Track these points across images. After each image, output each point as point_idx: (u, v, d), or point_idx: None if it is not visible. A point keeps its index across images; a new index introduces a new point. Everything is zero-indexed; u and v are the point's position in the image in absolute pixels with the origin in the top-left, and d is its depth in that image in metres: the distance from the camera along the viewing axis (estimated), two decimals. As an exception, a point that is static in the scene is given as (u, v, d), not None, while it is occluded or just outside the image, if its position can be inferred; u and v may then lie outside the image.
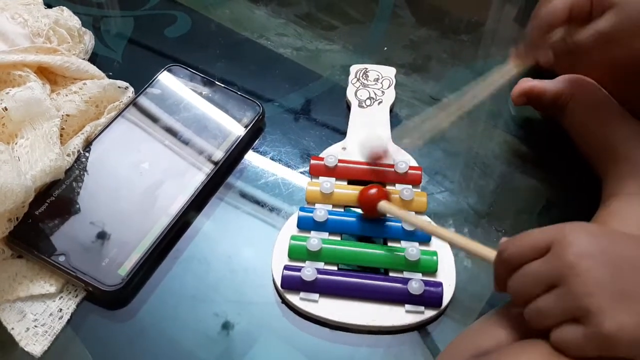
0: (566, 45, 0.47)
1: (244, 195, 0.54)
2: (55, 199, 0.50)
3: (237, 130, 0.56)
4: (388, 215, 0.49)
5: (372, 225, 0.50)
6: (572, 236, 0.34)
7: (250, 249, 0.51)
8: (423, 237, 0.49)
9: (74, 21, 0.61)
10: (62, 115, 0.52)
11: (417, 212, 0.51)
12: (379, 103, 0.59)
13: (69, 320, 0.46)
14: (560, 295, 0.34)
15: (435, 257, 0.48)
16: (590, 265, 0.33)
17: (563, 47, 0.47)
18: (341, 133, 0.57)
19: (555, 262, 0.34)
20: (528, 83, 0.56)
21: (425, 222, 0.48)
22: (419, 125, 0.54)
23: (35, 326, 0.45)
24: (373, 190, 0.48)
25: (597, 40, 0.44)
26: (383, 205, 0.47)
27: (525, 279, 0.36)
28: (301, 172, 0.55)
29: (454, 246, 0.46)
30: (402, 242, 0.49)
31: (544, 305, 0.34)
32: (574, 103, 0.54)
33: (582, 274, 0.33)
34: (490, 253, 0.40)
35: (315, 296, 0.46)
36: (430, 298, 0.46)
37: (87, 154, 0.53)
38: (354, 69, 0.62)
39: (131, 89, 0.58)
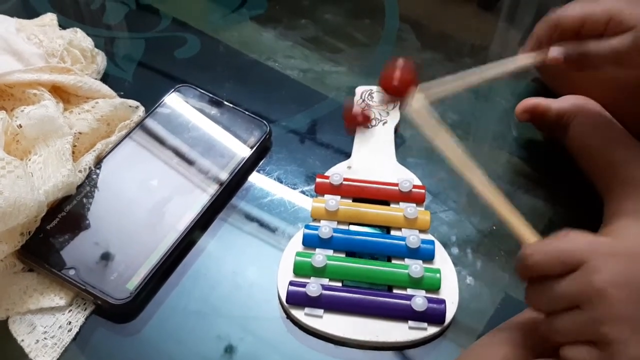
0: (576, 50, 0.46)
1: (250, 213, 0.55)
2: (67, 214, 0.51)
3: (245, 148, 0.57)
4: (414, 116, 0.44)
5: (376, 242, 0.51)
6: (602, 262, 0.34)
7: (255, 265, 0.51)
8: (426, 255, 0.50)
9: (87, 42, 0.63)
10: (75, 133, 0.54)
11: (420, 230, 0.52)
12: (383, 123, 0.60)
13: (77, 333, 0.47)
14: (583, 318, 0.34)
15: (438, 275, 0.49)
16: (618, 296, 0.33)
17: (573, 51, 0.46)
18: (346, 153, 0.58)
19: (583, 285, 0.34)
20: (532, 100, 0.57)
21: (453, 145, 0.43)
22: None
23: (45, 338, 0.46)
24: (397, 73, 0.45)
25: (610, 55, 0.44)
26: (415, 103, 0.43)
27: (550, 294, 0.35)
28: (307, 191, 0.56)
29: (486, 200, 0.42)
30: (405, 259, 0.50)
31: (564, 324, 0.35)
32: (576, 123, 0.55)
33: (609, 302, 0.33)
34: (525, 233, 0.39)
35: (320, 312, 0.47)
36: (433, 315, 0.47)
37: (98, 171, 0.54)
38: (359, 90, 0.63)
39: (142, 108, 0.60)
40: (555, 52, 0.46)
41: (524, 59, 0.49)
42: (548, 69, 0.61)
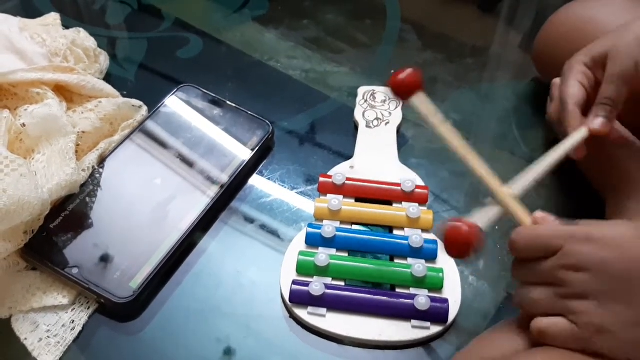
0: (604, 109, 0.47)
1: (253, 212, 0.55)
2: (70, 213, 0.51)
3: (248, 148, 0.58)
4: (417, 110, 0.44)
5: (379, 242, 0.51)
6: (576, 248, 0.37)
7: (258, 265, 0.51)
8: (429, 255, 0.50)
9: (90, 42, 0.63)
10: (78, 132, 0.54)
11: (423, 230, 0.52)
12: (386, 124, 0.60)
13: (80, 332, 0.47)
14: (553, 293, 0.37)
15: (441, 274, 0.49)
16: (583, 278, 0.36)
17: (603, 112, 0.47)
18: (349, 153, 0.58)
19: (556, 269, 0.37)
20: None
21: (454, 135, 0.44)
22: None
23: (48, 337, 0.46)
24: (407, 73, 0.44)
25: (622, 86, 0.46)
26: (418, 99, 0.44)
27: (528, 272, 0.39)
28: (309, 191, 0.56)
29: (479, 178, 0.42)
30: (408, 259, 0.50)
31: (537, 296, 0.38)
32: None
33: (576, 284, 0.36)
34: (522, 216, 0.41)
35: (323, 311, 0.47)
36: (436, 314, 0.47)
37: (101, 170, 0.54)
38: (361, 90, 0.63)
39: (145, 108, 0.60)
40: (596, 124, 0.47)
41: (573, 138, 0.48)
42: (546, 67, 0.62)
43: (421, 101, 0.44)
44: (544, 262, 0.38)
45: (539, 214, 0.40)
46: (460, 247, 0.39)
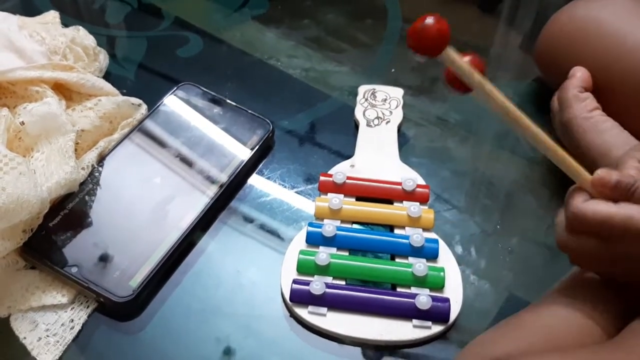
0: None
1: (253, 211, 0.55)
2: (69, 212, 0.51)
3: (248, 147, 0.57)
4: (452, 66, 0.39)
5: (379, 241, 0.51)
6: (633, 244, 0.37)
7: (259, 264, 0.51)
8: (430, 254, 0.50)
9: (90, 40, 0.63)
10: (77, 130, 0.53)
11: (424, 229, 0.52)
12: (386, 123, 0.60)
13: (79, 331, 0.46)
14: (604, 270, 0.41)
15: (442, 273, 0.49)
16: (633, 269, 0.39)
17: None
18: (349, 152, 0.58)
19: (605, 256, 0.39)
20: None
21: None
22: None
23: (47, 336, 0.46)
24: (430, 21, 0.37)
25: None
26: (450, 55, 0.39)
27: (578, 242, 0.40)
28: (310, 190, 0.56)
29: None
30: (409, 258, 0.50)
31: (586, 264, 0.41)
32: (577, 125, 0.55)
33: (625, 272, 0.39)
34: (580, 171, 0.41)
35: (324, 310, 0.47)
36: (437, 313, 0.47)
37: (100, 169, 0.54)
38: (362, 89, 0.63)
39: (144, 106, 0.60)
40: None
41: None
42: (549, 66, 0.62)
43: (455, 56, 0.39)
44: (595, 245, 0.38)
45: (601, 173, 0.39)
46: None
